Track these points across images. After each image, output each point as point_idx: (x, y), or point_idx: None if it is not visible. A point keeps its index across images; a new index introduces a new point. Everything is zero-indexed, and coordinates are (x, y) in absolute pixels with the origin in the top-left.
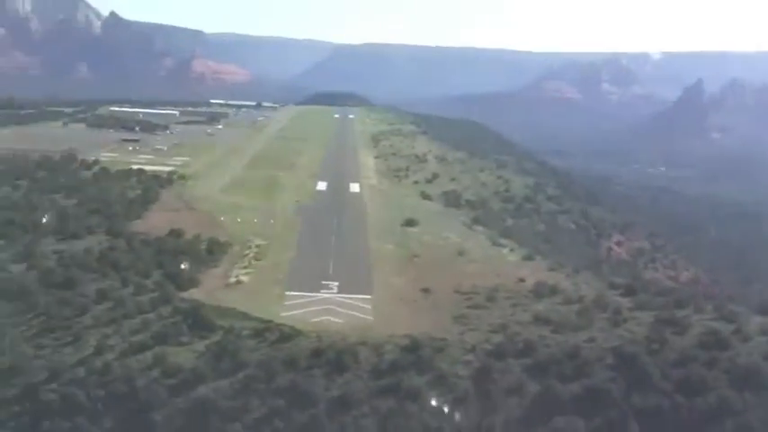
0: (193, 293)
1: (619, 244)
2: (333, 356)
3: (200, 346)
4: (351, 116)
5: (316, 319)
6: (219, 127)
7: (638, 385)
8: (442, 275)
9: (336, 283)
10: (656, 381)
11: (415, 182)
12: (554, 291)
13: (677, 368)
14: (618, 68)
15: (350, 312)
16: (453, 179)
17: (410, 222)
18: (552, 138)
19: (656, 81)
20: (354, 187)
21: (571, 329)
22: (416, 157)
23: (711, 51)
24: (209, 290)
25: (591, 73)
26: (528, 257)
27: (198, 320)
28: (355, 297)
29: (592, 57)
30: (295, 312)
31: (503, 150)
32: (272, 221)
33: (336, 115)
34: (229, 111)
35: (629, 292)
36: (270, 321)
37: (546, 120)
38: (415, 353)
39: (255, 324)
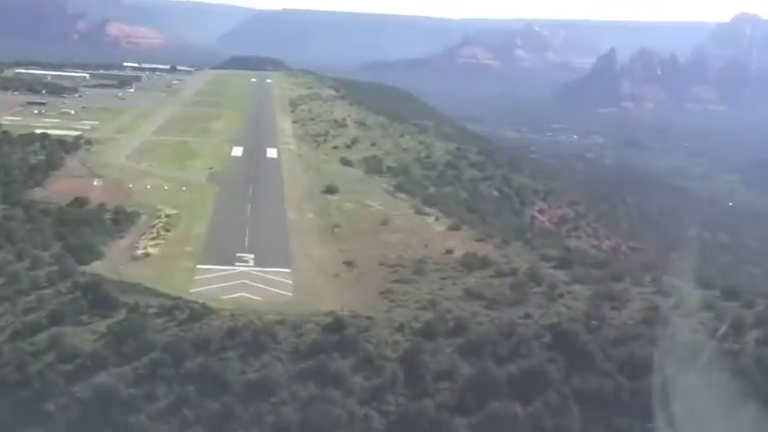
0: (96, 267)
1: (542, 212)
2: (248, 337)
3: (102, 326)
4: (268, 80)
5: (230, 296)
6: (131, 90)
7: (579, 366)
8: (366, 247)
9: (252, 256)
10: (597, 361)
11: (335, 147)
12: (484, 263)
13: (619, 347)
14: (532, 36)
15: (267, 288)
16: (374, 144)
17: (330, 189)
18: (468, 104)
19: (569, 49)
20: (272, 153)
21: (505, 305)
22: (335, 121)
23: (621, 21)
24: (113, 263)
25: (506, 40)
26: (454, 227)
27: (100, 297)
28: (273, 271)
29: (507, 24)
30: (207, 288)
31: (422, 115)
32: (184, 189)
33: (253, 79)
34: (142, 74)
35: (563, 264)
36: (179, 298)
37: (462, 86)
38: (338, 332)
39: (163, 301)
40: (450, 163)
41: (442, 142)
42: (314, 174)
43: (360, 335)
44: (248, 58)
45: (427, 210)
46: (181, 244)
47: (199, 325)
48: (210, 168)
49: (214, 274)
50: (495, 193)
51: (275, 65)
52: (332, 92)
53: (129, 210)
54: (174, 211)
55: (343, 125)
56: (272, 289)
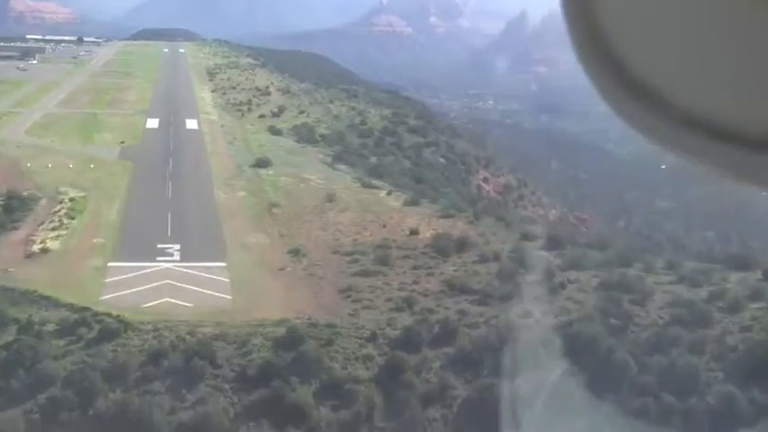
0: None
1: (486, 181)
2: (179, 360)
3: None
4: (182, 51)
5: (151, 303)
6: (34, 62)
7: (607, 381)
8: (313, 230)
9: (178, 247)
10: (630, 374)
11: (261, 116)
12: (461, 245)
13: (656, 355)
14: (445, 2)
15: (199, 289)
16: (302, 112)
17: (262, 163)
18: (385, 72)
19: (480, 14)
20: (192, 124)
21: (498, 300)
22: (258, 89)
23: None
24: (2, 264)
25: (420, 7)
26: (412, 202)
27: None
28: (205, 266)
29: None
30: (122, 293)
31: (347, 81)
32: (91, 167)
33: (166, 50)
34: (47, 46)
35: (552, 244)
36: (86, 309)
37: (378, 54)
38: (295, 349)
39: (65, 314)
40: (387, 129)
41: (376, 108)
42: (241, 145)
43: (322, 350)
44: (159, 30)
45: (374, 182)
46: (88, 234)
47: (112, 346)
48: (122, 142)
49: (131, 274)
50: (442, 161)
51: (188, 36)
52: (250, 60)
53: (24, 194)
54: (80, 194)
55: (267, 93)
56: (206, 291)
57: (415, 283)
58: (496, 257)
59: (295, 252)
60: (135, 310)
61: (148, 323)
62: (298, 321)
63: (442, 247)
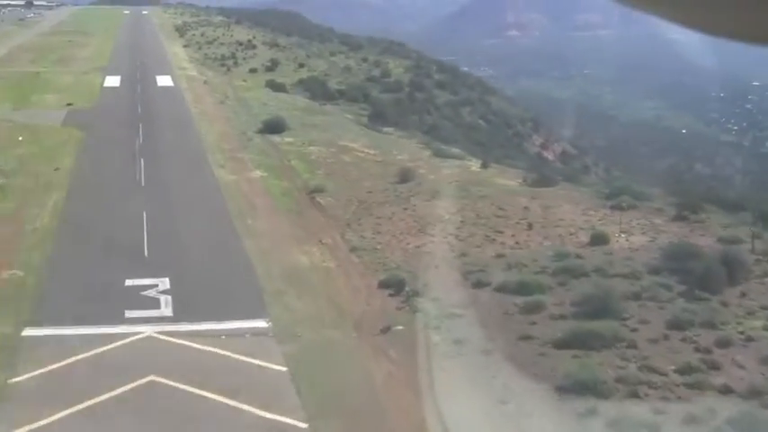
0: None
1: (544, 147)
2: None
3: None
4: (144, 12)
5: None
6: None
7: None
8: (405, 235)
9: (166, 286)
10: None
11: (252, 70)
12: (730, 265)
13: None
14: None
15: (226, 402)
16: (302, 65)
17: (274, 126)
18: None
19: None
20: (165, 80)
21: None
22: (240, 43)
23: None
24: None
25: None
26: (541, 182)
27: None
28: (226, 330)
29: None
30: (46, 423)
31: (339, 35)
32: (19, 139)
33: (127, 12)
34: None
35: None
36: None
37: (343, 21)
38: None
39: None
40: (414, 83)
41: (393, 59)
42: (237, 105)
43: None
44: None
45: (446, 149)
46: None
47: None
48: (70, 104)
49: (69, 360)
50: (482, 122)
51: (151, 2)
52: (223, 18)
53: None
54: None
55: (252, 46)
56: (242, 405)
57: (715, 369)
58: None
59: (395, 285)
60: None
61: None
62: None
63: (696, 272)
